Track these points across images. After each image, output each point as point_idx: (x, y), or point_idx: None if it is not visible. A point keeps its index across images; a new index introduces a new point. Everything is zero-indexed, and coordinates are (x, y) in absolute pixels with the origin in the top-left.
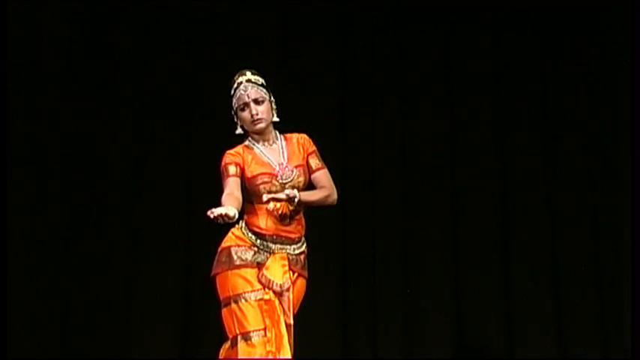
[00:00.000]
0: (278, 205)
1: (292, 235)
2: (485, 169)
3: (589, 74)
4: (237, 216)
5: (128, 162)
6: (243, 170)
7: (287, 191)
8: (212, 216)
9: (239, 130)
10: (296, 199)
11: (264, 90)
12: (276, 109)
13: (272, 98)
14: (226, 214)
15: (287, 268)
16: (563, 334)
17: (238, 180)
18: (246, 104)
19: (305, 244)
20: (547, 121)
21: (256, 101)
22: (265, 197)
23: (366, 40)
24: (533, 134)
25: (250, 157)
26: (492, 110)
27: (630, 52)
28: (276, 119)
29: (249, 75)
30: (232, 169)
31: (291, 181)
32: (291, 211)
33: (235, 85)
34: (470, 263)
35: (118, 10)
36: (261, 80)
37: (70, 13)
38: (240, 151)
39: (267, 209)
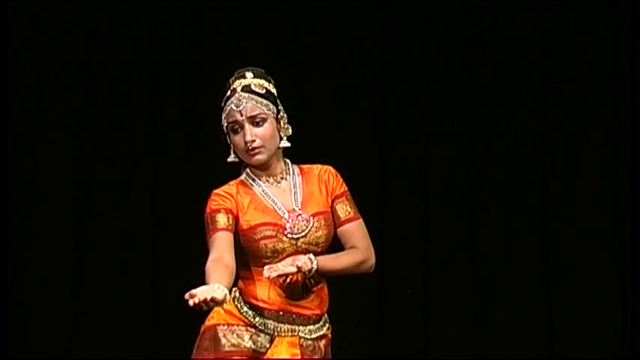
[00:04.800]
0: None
1: (308, 312)
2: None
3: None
4: (227, 298)
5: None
6: (237, 219)
7: (299, 260)
8: (192, 303)
9: (232, 157)
10: (312, 271)
11: (269, 102)
12: (288, 127)
13: (282, 113)
14: (213, 299)
15: (299, 358)
16: (563, 333)
17: (230, 236)
18: (239, 124)
19: (328, 325)
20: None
21: (253, 121)
22: (266, 272)
23: (416, 28)
24: None
25: (248, 199)
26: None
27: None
28: (285, 144)
29: (249, 78)
30: (222, 220)
31: (305, 236)
32: (305, 280)
33: (228, 94)
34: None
35: None
36: (266, 86)
37: None
38: (233, 190)
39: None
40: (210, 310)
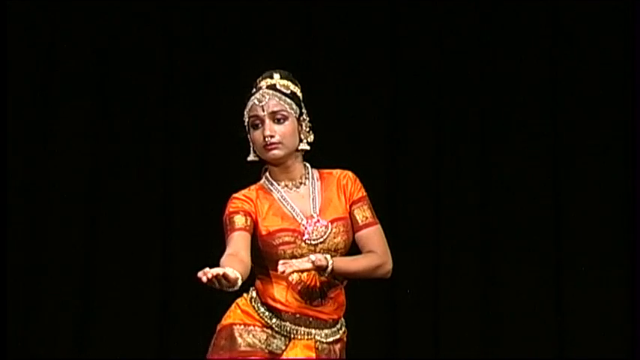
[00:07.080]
0: (304, 275)
1: (324, 316)
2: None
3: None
4: (239, 281)
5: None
6: (255, 223)
7: (314, 256)
8: (205, 278)
9: (252, 156)
10: (328, 269)
11: (293, 102)
12: (310, 133)
13: (305, 117)
14: (225, 275)
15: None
16: (573, 335)
17: (247, 236)
18: (260, 119)
19: (344, 329)
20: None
21: (274, 117)
22: (281, 267)
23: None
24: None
25: (267, 205)
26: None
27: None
28: (304, 147)
29: (276, 78)
30: (239, 221)
31: (323, 242)
32: (322, 284)
33: (253, 91)
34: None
35: None
36: (291, 88)
37: None
38: (253, 195)
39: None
40: (221, 289)
